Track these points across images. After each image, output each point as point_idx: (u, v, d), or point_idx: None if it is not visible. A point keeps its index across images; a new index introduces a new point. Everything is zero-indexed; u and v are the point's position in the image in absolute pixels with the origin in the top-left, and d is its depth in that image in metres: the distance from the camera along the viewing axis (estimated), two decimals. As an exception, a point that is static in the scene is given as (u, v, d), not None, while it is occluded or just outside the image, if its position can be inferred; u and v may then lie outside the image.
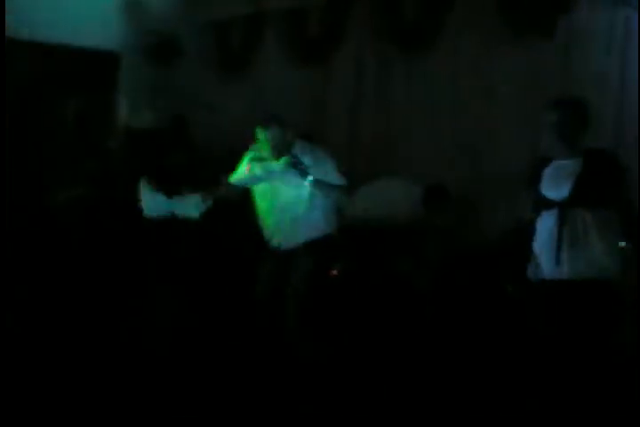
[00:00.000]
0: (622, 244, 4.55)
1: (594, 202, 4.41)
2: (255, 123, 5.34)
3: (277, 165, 5.24)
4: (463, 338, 5.97)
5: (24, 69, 7.68)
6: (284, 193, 5.29)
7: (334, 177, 5.27)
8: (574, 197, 4.42)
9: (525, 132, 7.27)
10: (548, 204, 4.48)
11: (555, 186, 4.49)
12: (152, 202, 5.28)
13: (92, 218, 6.62)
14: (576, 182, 4.43)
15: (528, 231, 4.59)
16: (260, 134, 5.26)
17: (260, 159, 5.33)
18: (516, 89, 7.43)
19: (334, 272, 6.58)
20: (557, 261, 4.40)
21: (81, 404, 4.50)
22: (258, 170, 5.33)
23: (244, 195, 5.49)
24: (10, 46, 7.35)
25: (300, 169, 5.13)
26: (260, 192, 5.39)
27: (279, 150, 5.22)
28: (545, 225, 4.47)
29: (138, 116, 7.53)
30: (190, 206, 5.27)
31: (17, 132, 7.35)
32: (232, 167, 5.51)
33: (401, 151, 7.67)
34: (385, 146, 7.72)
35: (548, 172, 4.54)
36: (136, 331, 5.75)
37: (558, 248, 4.40)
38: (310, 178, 5.14)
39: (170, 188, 5.35)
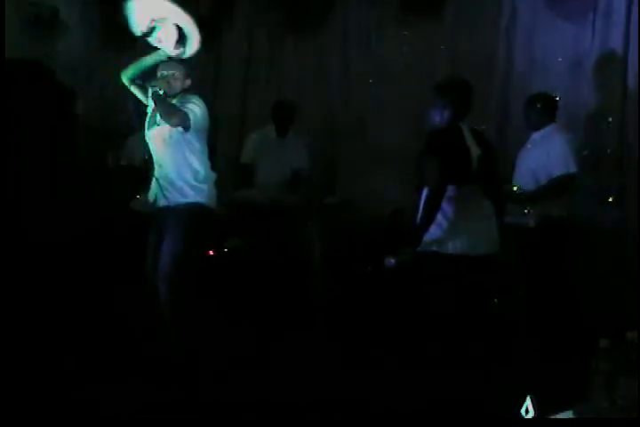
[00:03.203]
0: None
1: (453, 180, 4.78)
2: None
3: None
4: (358, 315, 6.05)
5: None
6: (158, 135, 5.10)
7: (187, 109, 4.98)
8: None
9: (412, 107, 7.40)
10: None
11: None
12: None
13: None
14: None
15: None
16: (165, 65, 5.10)
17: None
18: (404, 65, 7.54)
19: (224, 249, 6.59)
20: None
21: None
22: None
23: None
24: None
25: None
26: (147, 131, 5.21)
27: (173, 84, 5.06)
28: None
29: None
30: None
31: None
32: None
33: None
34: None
35: None
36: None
37: None
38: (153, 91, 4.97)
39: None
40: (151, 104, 5.13)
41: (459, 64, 7.22)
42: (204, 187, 5.10)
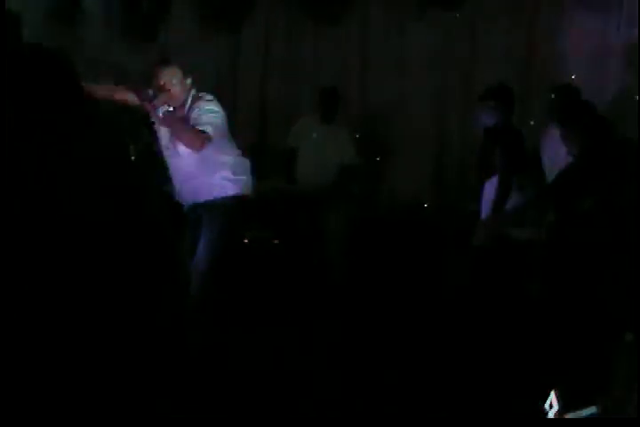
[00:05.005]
0: None
1: (487, 172, 5.46)
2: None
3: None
4: (375, 306, 6.04)
5: None
6: (185, 159, 4.92)
7: (205, 126, 4.74)
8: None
9: (432, 100, 7.39)
10: None
11: None
12: None
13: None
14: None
15: None
16: (160, 75, 4.82)
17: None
18: (425, 57, 7.52)
19: (244, 240, 6.57)
20: None
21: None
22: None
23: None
24: None
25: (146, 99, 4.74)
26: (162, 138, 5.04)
27: (176, 93, 4.82)
28: None
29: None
30: None
31: None
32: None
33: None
34: (295, 114, 7.67)
35: None
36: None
37: None
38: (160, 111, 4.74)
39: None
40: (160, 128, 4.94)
41: (483, 55, 7.21)
42: (242, 178, 5.05)
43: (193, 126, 4.76)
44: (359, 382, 4.62)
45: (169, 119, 4.77)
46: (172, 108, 4.77)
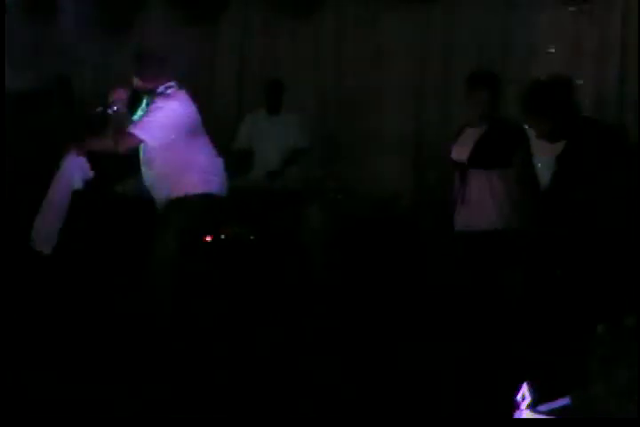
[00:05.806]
0: None
1: (489, 163, 5.14)
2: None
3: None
4: (358, 301, 6.03)
5: None
6: (150, 160, 5.06)
7: (141, 122, 4.87)
8: (471, 159, 5.18)
9: (409, 91, 7.38)
10: (456, 165, 5.25)
11: (459, 150, 5.25)
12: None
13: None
14: (474, 147, 5.17)
15: None
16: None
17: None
18: (401, 48, 7.51)
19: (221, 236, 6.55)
20: (459, 215, 5.25)
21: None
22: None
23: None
24: None
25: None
26: None
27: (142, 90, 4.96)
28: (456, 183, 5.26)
29: (18, 75, 7.23)
30: None
31: None
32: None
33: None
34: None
35: (460, 138, 5.28)
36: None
37: (460, 203, 5.23)
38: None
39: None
40: None
41: (457, 48, 7.20)
42: (214, 178, 5.07)
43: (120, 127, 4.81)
44: (348, 379, 4.60)
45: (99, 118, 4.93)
46: (115, 109, 4.83)
